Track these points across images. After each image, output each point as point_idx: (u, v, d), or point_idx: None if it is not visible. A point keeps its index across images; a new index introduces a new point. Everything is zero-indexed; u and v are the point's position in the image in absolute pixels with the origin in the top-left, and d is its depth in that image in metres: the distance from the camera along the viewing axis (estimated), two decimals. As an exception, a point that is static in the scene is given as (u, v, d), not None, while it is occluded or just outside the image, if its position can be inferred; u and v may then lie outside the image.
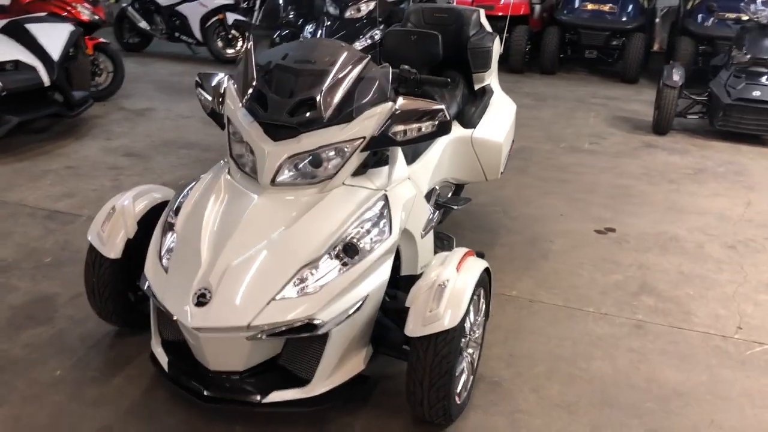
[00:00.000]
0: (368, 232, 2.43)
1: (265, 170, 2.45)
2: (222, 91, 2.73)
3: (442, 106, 2.52)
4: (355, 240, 2.39)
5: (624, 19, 8.96)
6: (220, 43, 9.12)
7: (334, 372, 2.40)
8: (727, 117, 6.28)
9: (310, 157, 2.45)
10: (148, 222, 2.79)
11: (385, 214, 2.51)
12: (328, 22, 7.39)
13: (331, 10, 7.48)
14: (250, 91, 2.55)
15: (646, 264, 3.89)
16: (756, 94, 6.19)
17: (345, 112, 2.46)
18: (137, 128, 6.07)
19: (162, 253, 2.48)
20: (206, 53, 9.22)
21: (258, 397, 2.35)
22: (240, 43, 9.17)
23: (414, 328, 2.30)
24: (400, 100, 2.53)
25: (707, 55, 8.60)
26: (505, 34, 4.39)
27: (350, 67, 2.53)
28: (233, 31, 9.12)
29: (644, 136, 6.50)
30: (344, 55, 2.61)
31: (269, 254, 2.32)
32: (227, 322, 2.23)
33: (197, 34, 9.08)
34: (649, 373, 2.90)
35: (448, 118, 2.53)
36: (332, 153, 2.47)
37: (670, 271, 3.82)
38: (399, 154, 2.77)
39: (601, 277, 3.71)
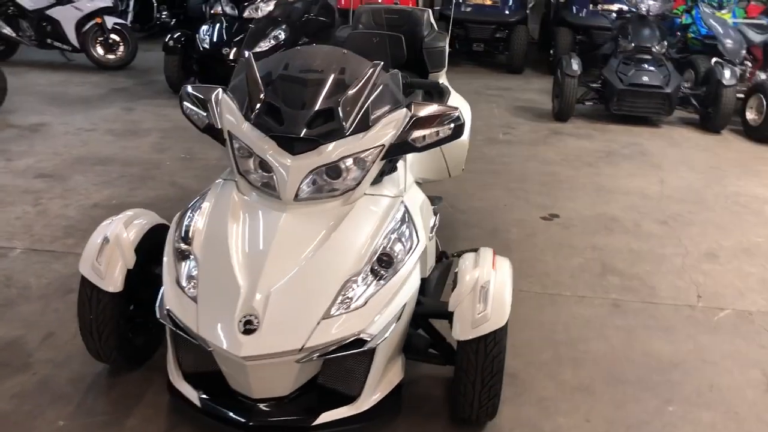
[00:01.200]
0: (398, 240, 2.41)
1: (288, 186, 2.36)
2: (217, 104, 2.59)
3: (457, 109, 2.54)
4: (388, 251, 2.36)
5: (507, 12, 9.38)
6: (100, 50, 8.54)
7: (378, 384, 2.36)
8: (622, 101, 6.77)
9: (326, 170, 2.39)
10: (140, 250, 2.61)
11: (407, 220, 2.50)
12: (226, 23, 7.13)
13: (228, 9, 7.22)
14: (258, 104, 2.44)
15: (599, 245, 4.14)
16: (645, 79, 6.72)
17: (362, 121, 2.43)
18: (37, 146, 5.57)
19: (182, 283, 2.32)
20: (84, 60, 8.60)
21: (308, 421, 2.27)
22: (122, 49, 8.63)
23: (462, 331, 2.32)
24: (414, 106, 2.52)
25: (584, 44, 9.20)
26: None
27: (363, 74, 2.49)
28: (113, 36, 8.57)
29: (549, 124, 6.86)
30: (352, 62, 2.57)
31: (310, 273, 2.24)
32: (281, 347, 2.13)
33: (73, 40, 8.44)
34: (642, 348, 3.10)
35: (462, 120, 2.55)
36: (351, 163, 2.42)
37: (622, 250, 4.08)
38: (407, 159, 2.76)
39: (564, 262, 3.90)
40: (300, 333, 2.15)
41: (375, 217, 2.43)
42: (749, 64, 7.45)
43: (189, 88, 2.68)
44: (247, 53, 2.63)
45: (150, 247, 2.64)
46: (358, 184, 2.44)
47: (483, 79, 8.98)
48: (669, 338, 3.18)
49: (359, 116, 2.41)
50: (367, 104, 2.44)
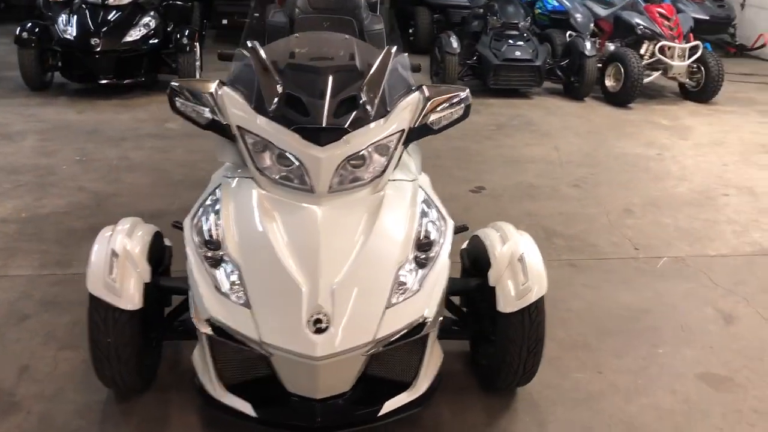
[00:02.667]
0: (431, 223, 2.44)
1: (321, 179, 2.29)
2: (219, 99, 2.44)
3: (466, 89, 2.60)
4: (426, 234, 2.38)
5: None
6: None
7: (428, 366, 2.39)
8: (498, 76, 7.16)
9: (349, 159, 2.36)
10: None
11: (430, 202, 2.53)
12: (89, 12, 6.54)
13: (89, -3, 6.63)
14: (276, 97, 2.34)
15: (531, 212, 4.40)
16: (517, 53, 7.15)
17: (382, 107, 2.41)
18: None
19: (223, 290, 2.18)
20: None
21: (374, 412, 2.25)
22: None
23: (507, 304, 2.39)
24: (426, 89, 2.55)
25: (440, 23, 9.55)
26: None
27: (377, 59, 2.47)
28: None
29: (434, 101, 7.07)
30: (360, 47, 2.55)
31: (364, 264, 2.21)
32: (355, 341, 2.10)
33: None
34: (612, 300, 3.37)
35: (470, 100, 2.62)
36: (373, 150, 2.40)
37: (553, 214, 4.38)
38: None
39: (510, 230, 4.10)
40: (369, 325, 2.13)
41: (405, 203, 2.44)
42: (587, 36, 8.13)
43: (177, 83, 2.50)
44: (250, 43, 2.49)
45: (151, 258, 2.46)
46: (383, 171, 2.42)
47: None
48: (629, 289, 3.50)
49: (379, 102, 2.40)
50: (385, 89, 2.43)
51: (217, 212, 2.36)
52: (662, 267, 3.76)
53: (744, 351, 3.00)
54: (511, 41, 7.28)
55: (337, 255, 2.21)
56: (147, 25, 6.64)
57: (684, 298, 3.43)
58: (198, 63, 6.92)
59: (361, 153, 2.35)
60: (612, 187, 4.90)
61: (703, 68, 7.28)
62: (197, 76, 6.82)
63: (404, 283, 2.24)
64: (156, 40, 6.70)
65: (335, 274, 2.16)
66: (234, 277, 2.20)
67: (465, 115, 2.61)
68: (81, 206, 4.17)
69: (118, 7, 6.64)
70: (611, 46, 7.73)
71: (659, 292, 3.47)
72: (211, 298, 2.18)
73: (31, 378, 2.62)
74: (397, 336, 2.18)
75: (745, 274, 3.69)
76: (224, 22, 9.04)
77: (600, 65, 7.35)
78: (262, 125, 2.35)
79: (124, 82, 6.52)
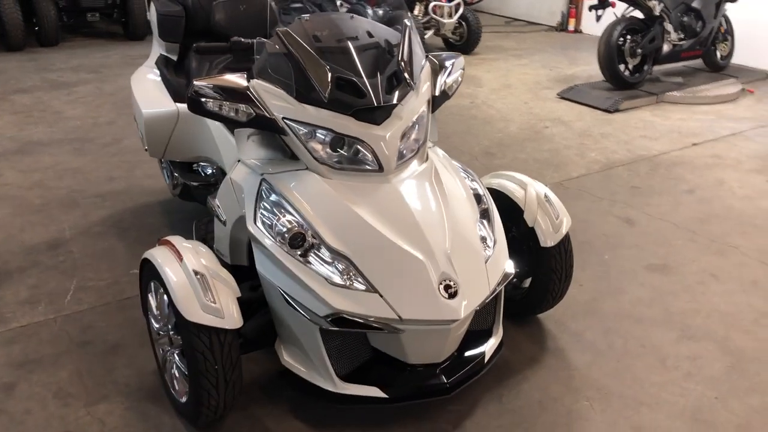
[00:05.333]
0: (468, 178, 2.63)
1: (389, 157, 2.35)
2: (255, 93, 2.33)
3: (460, 54, 2.81)
4: (473, 189, 2.57)
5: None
6: None
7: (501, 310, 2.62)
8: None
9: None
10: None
11: (452, 161, 2.72)
12: None
13: None
14: (329, 82, 2.31)
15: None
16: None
17: (415, 79, 2.52)
18: None
19: (337, 281, 2.15)
20: None
21: (481, 361, 2.43)
22: None
23: (548, 238, 2.71)
24: (432, 58, 2.69)
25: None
26: None
27: (396, 34, 2.55)
28: None
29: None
30: (371, 24, 2.60)
31: (457, 227, 2.34)
32: (479, 298, 2.26)
33: None
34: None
35: (464, 63, 2.83)
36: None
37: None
38: None
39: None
40: (483, 281, 2.30)
41: (448, 166, 2.60)
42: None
43: (201, 83, 2.32)
44: (281, 30, 2.38)
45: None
46: (424, 141, 2.54)
47: (114, 49, 8.31)
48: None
49: (414, 75, 2.50)
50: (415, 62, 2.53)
51: (282, 208, 2.28)
52: (569, 188, 4.36)
53: (657, 242, 3.72)
54: (302, 14, 7.37)
55: (433, 223, 2.30)
56: None
57: (587, 213, 4.07)
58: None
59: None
60: (461, 136, 5.42)
61: (465, 24, 8.17)
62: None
63: (485, 238, 2.43)
64: None
65: (441, 242, 2.26)
66: (340, 266, 2.18)
67: (462, 78, 2.82)
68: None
69: None
70: (379, 11, 8.22)
71: (584, 213, 4.05)
72: (329, 292, 2.14)
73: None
74: (497, 286, 2.37)
75: (611, 186, 4.47)
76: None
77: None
78: (315, 113, 2.31)
79: None
